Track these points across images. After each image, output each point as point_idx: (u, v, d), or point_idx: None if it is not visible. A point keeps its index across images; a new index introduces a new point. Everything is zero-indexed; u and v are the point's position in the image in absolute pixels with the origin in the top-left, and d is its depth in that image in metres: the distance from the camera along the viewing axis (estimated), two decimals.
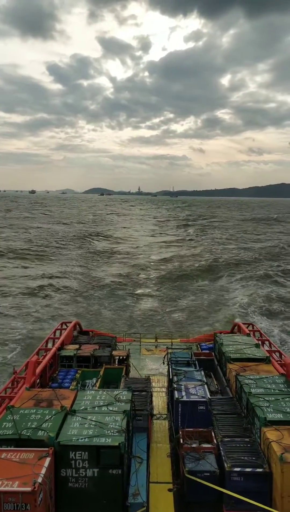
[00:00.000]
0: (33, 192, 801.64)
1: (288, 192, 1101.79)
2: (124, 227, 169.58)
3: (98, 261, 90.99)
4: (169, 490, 13.99)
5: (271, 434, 13.53)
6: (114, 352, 24.62)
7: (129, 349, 26.30)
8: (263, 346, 24.37)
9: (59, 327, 29.31)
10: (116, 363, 23.90)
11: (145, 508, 12.47)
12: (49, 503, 11.64)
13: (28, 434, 13.16)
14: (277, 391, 16.73)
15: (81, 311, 56.14)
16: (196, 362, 21.92)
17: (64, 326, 29.33)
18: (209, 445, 14.33)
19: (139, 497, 12.67)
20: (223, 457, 13.39)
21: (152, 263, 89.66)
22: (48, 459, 11.88)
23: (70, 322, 29.47)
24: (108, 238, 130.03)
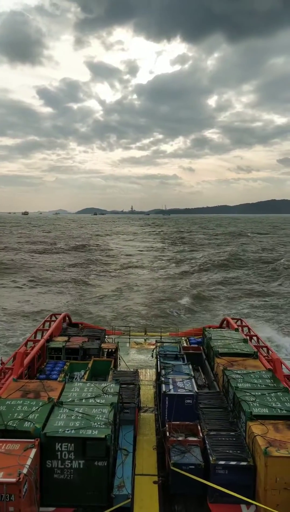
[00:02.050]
0: (26, 213, 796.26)
1: (279, 208, 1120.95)
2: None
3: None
4: (154, 482, 14.09)
5: (256, 428, 13.67)
6: (103, 345, 24.63)
7: (118, 342, 26.36)
8: (251, 341, 24.56)
9: (48, 319, 29.24)
10: (105, 355, 23.93)
11: (129, 500, 12.56)
12: (34, 494, 11.66)
13: (14, 425, 13.14)
14: (263, 386, 16.88)
15: (72, 305, 56.54)
16: (185, 356, 22.03)
17: (54, 318, 29.26)
18: (195, 439, 14.44)
19: (124, 489, 12.74)
20: (209, 450, 13.51)
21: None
22: (33, 450, 11.88)
23: (60, 314, 29.41)
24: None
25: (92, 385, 16.56)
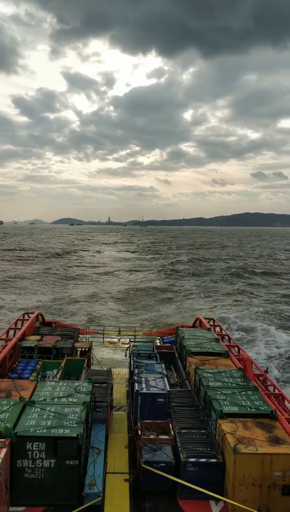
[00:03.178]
0: (0, 223, 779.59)
1: (252, 221, 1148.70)
2: None
3: None
4: (126, 480, 14.20)
5: (226, 426, 13.97)
6: (76, 344, 24.57)
7: (91, 341, 26.32)
8: (222, 340, 25.00)
9: (21, 318, 28.91)
10: (78, 355, 23.87)
11: (100, 497, 12.62)
12: (4, 494, 11.58)
13: None
14: (234, 385, 17.25)
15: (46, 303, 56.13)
16: (158, 355, 22.24)
17: (26, 317, 28.95)
18: (166, 437, 14.63)
19: (95, 487, 12.80)
20: (179, 448, 13.73)
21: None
22: (4, 450, 11.80)
23: (33, 313, 29.12)
24: None
25: (65, 384, 16.53)
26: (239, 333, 46.41)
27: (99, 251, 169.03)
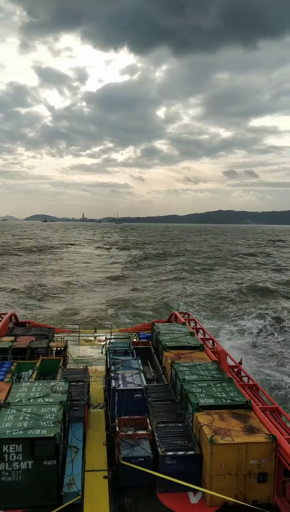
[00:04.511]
0: None
1: (225, 218, 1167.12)
2: None
3: None
4: (105, 477, 14.23)
5: (202, 418, 14.19)
6: (51, 344, 24.35)
7: (67, 340, 26.14)
8: (197, 334, 25.31)
9: None
10: (54, 354, 23.67)
11: (80, 496, 12.62)
12: None
13: None
14: (209, 377, 17.52)
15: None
16: (134, 351, 22.31)
17: None
18: (144, 432, 14.74)
19: (74, 486, 12.78)
20: (157, 443, 13.86)
21: None
22: None
23: (6, 314, 28.64)
24: None
25: (41, 384, 16.38)
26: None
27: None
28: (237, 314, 57.38)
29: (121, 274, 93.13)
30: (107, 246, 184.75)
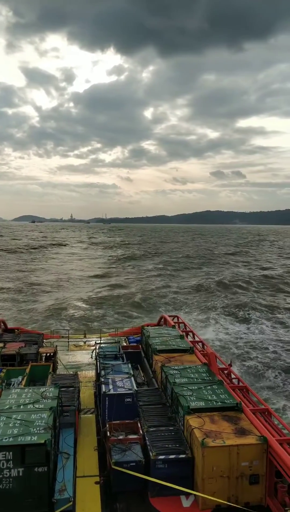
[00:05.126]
0: None
1: (213, 219, 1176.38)
2: None
3: None
4: (96, 483, 14.14)
5: (193, 421, 14.20)
6: (41, 349, 24.18)
7: (56, 346, 25.97)
8: (187, 337, 25.35)
9: None
10: (43, 360, 23.50)
11: (71, 503, 12.52)
12: None
13: None
14: (199, 380, 17.54)
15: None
16: (124, 355, 22.24)
17: None
18: (135, 436, 14.69)
19: (65, 493, 12.67)
20: (149, 447, 13.83)
21: None
22: None
23: None
24: None
25: (31, 390, 16.24)
26: None
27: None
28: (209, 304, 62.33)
29: (106, 272, 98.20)
30: (94, 247, 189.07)
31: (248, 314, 56.68)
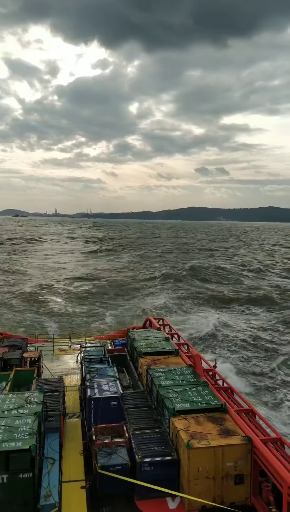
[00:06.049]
0: None
1: (198, 215, 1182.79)
2: None
3: None
4: (82, 487, 14.07)
5: (179, 423, 14.27)
6: (25, 354, 23.97)
7: (41, 350, 25.76)
8: (172, 339, 25.44)
9: None
10: (28, 365, 23.28)
11: (57, 508, 12.43)
12: None
13: None
14: (185, 382, 17.63)
15: None
16: (109, 358, 22.20)
17: None
18: (121, 439, 14.67)
19: (51, 498, 12.58)
20: (135, 449, 13.84)
21: None
22: None
23: None
24: None
25: (15, 395, 16.10)
26: None
27: None
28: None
29: (85, 264, 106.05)
30: (74, 241, 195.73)
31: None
